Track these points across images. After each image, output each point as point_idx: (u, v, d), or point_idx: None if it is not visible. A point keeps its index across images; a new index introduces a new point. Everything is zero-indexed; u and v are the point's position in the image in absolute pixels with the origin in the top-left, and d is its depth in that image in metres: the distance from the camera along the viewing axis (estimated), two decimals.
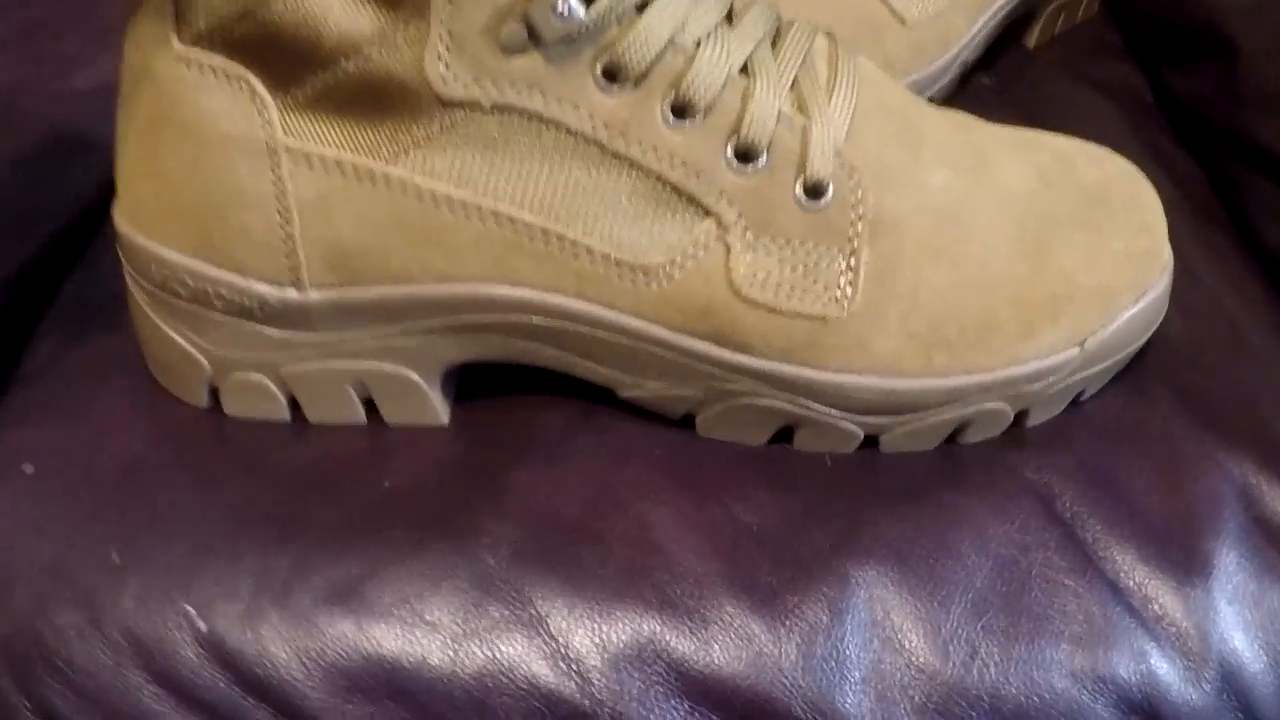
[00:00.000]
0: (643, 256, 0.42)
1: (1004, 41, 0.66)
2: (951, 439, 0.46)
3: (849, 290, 0.42)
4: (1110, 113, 0.63)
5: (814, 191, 0.42)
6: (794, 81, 0.42)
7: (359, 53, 0.39)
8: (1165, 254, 0.46)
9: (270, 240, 0.42)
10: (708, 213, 0.41)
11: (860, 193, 0.42)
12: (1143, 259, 0.46)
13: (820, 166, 0.41)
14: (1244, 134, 0.58)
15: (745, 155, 0.41)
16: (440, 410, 0.45)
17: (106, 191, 0.59)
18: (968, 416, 0.44)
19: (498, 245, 0.41)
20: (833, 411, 0.44)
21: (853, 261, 0.42)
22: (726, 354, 0.43)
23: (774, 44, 0.43)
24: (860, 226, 0.42)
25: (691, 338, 0.43)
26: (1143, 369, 0.49)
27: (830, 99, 0.42)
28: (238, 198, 0.41)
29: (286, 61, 0.39)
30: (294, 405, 0.46)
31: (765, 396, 0.44)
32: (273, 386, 0.45)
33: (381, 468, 0.44)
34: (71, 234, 0.59)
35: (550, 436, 0.45)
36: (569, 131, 0.40)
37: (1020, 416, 0.46)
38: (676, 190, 0.41)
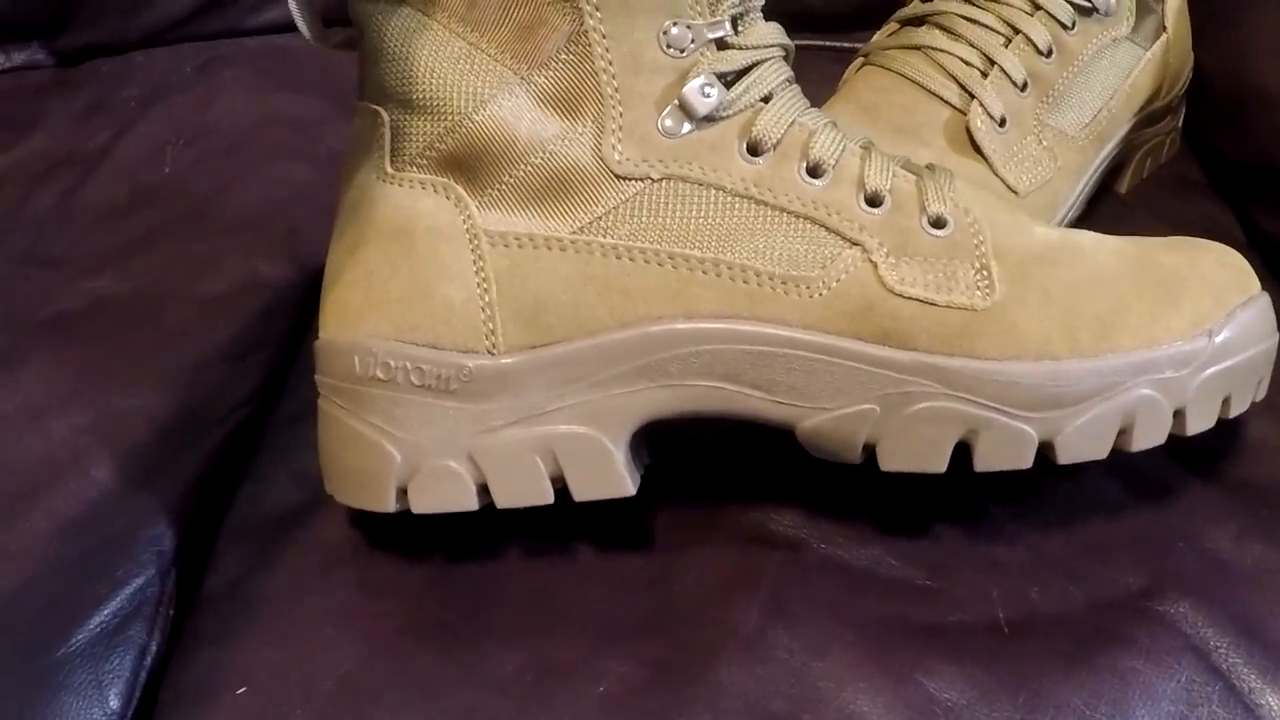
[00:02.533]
0: (804, 270, 0.47)
1: (1100, 191, 0.69)
2: (1122, 447, 0.48)
3: (988, 287, 0.47)
4: None
5: (937, 224, 0.48)
6: (902, 161, 0.50)
7: (545, 150, 0.47)
8: (1256, 282, 0.51)
9: (469, 308, 0.47)
10: (853, 242, 0.47)
11: (976, 227, 0.48)
12: (1236, 271, 0.51)
13: (938, 205, 0.48)
14: None
15: (873, 201, 0.48)
16: (627, 479, 0.48)
17: (264, 400, 0.62)
18: (1129, 407, 0.47)
19: (675, 281, 0.47)
20: (1003, 409, 0.47)
21: (984, 272, 0.47)
22: (893, 352, 0.47)
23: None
24: (984, 248, 0.48)
25: (858, 341, 0.47)
26: (1271, 513, 0.51)
27: (933, 168, 0.50)
28: (440, 274, 0.47)
29: (484, 166, 0.47)
30: (483, 494, 0.48)
31: (937, 398, 0.47)
32: (462, 471, 0.48)
33: (593, 670, 0.46)
34: (235, 442, 0.61)
35: (748, 633, 0.46)
36: (725, 191, 0.47)
37: (1179, 418, 0.48)
38: (823, 226, 0.47)
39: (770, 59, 0.48)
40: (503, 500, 0.48)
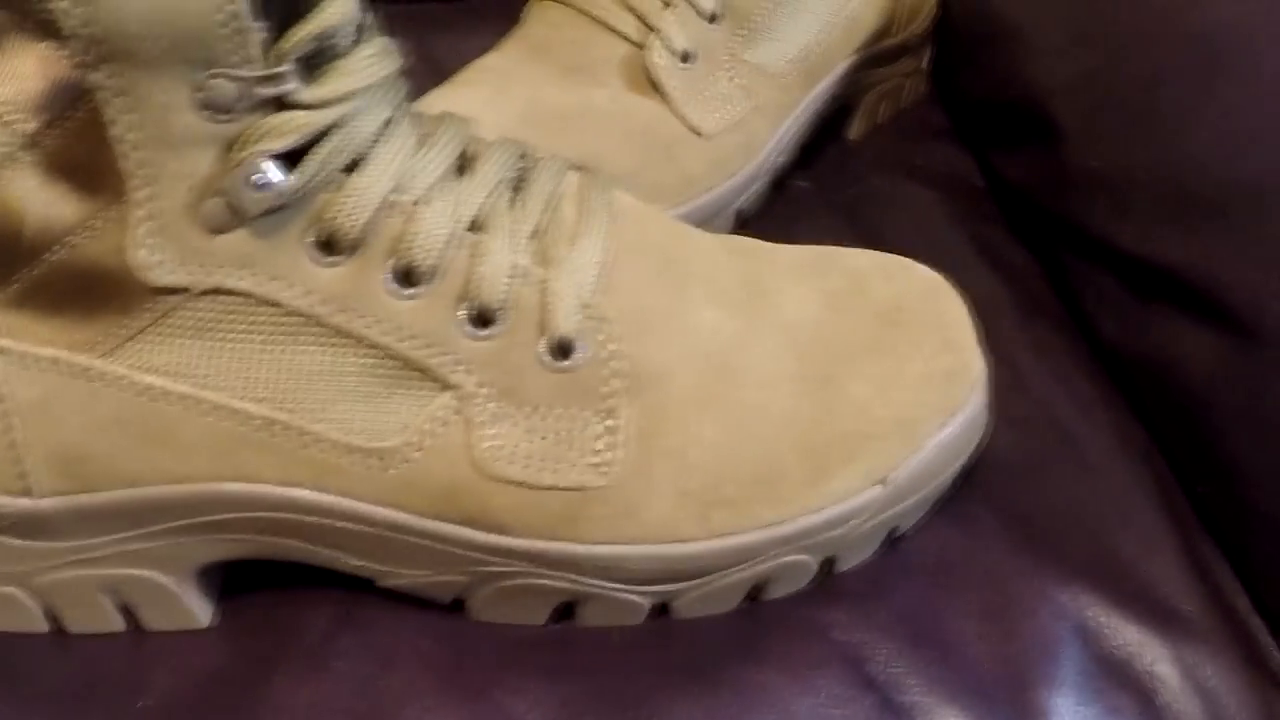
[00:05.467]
0: (379, 440, 0.39)
1: (824, 136, 0.64)
2: (754, 597, 0.42)
3: (609, 455, 0.39)
4: (936, 204, 0.60)
5: (560, 350, 0.39)
6: (535, 230, 0.40)
7: (63, 243, 0.37)
8: (975, 369, 0.43)
9: None
10: (445, 385, 0.39)
11: (615, 345, 0.40)
12: (947, 379, 0.43)
13: (564, 322, 0.39)
14: (1073, 219, 0.55)
15: (481, 319, 0.39)
16: (198, 612, 0.43)
17: None
18: (765, 573, 0.42)
19: (224, 440, 0.39)
20: (610, 585, 0.41)
21: (610, 424, 0.40)
22: (481, 536, 0.40)
23: (516, 189, 0.41)
24: (616, 384, 0.40)
25: (441, 522, 0.40)
26: (965, 493, 0.45)
27: (575, 244, 0.40)
28: None
29: None
30: (53, 615, 0.43)
31: (534, 576, 0.41)
32: (26, 599, 0.42)
33: (137, 683, 0.41)
34: None
35: (312, 639, 0.42)
36: (286, 310, 0.37)
37: (828, 564, 0.43)
38: (409, 363, 0.38)
39: (361, 110, 0.37)
40: (75, 629, 0.43)
